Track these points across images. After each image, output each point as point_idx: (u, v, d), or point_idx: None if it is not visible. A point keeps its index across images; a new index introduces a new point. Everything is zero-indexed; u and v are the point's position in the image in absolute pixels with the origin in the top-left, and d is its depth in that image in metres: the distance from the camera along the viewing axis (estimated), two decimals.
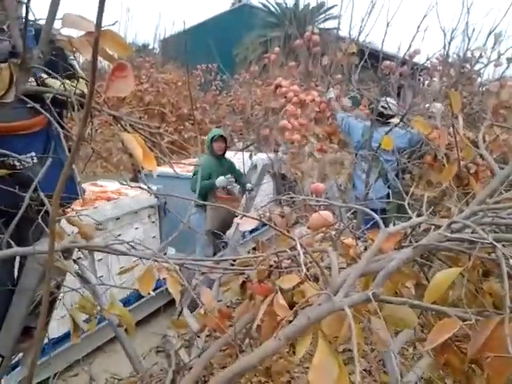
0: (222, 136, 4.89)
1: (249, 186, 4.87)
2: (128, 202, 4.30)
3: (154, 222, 4.63)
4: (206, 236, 4.58)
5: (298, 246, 1.15)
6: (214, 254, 4.89)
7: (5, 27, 1.18)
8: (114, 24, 1.23)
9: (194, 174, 4.66)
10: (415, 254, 0.98)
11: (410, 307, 1.00)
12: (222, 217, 4.45)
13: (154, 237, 4.63)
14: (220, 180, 4.64)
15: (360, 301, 0.96)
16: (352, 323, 0.94)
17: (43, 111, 1.38)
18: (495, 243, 0.82)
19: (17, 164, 1.89)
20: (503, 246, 0.92)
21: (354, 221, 2.96)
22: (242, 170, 5.02)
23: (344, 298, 0.96)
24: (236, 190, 4.86)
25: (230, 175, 4.73)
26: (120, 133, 0.99)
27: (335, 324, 1.16)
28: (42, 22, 1.18)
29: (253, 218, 1.32)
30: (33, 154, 1.94)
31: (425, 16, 3.13)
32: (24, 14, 1.13)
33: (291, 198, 1.44)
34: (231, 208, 5.00)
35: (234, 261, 1.73)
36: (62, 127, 1.56)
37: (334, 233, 1.39)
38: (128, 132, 1.23)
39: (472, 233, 0.99)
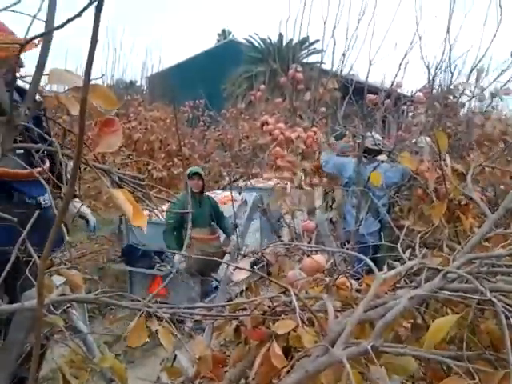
0: (197, 173, 4.87)
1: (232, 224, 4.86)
2: None
3: None
4: (187, 279, 4.56)
5: (293, 296, 1.13)
6: (204, 294, 4.85)
7: None
8: (101, 77, 1.25)
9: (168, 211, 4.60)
10: (412, 303, 0.97)
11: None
12: (199, 259, 4.39)
13: None
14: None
15: (359, 353, 0.94)
16: (351, 375, 0.92)
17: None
18: (494, 300, 0.82)
19: (42, 202, 2.10)
20: (503, 295, 0.91)
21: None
22: (230, 207, 5.00)
23: (342, 350, 0.94)
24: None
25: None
26: (109, 189, 0.98)
27: (334, 374, 1.14)
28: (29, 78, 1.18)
29: (246, 269, 1.30)
30: (46, 196, 2.14)
31: (406, 54, 3.22)
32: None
33: (284, 244, 1.42)
34: (208, 247, 4.95)
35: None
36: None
37: (328, 279, 1.37)
38: (117, 184, 1.22)
39: (466, 282, 0.99)
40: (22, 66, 1.96)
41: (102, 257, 7.05)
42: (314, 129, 3.93)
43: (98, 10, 0.76)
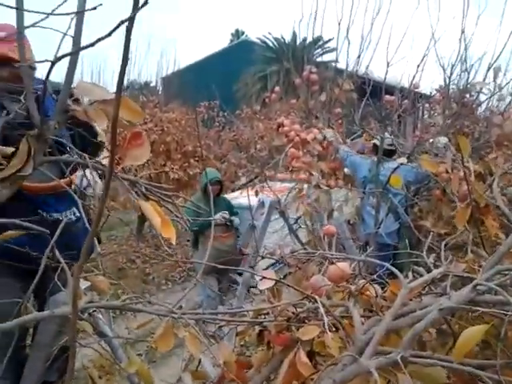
0: (219, 180, 4.99)
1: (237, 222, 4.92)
2: None
3: None
4: (205, 279, 4.62)
5: (319, 304, 1.14)
6: (224, 294, 4.89)
7: (21, 98, 1.20)
8: (127, 89, 1.27)
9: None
10: (442, 314, 0.97)
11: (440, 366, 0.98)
12: (212, 256, 4.42)
13: None
14: (216, 217, 4.68)
15: (388, 364, 0.94)
16: None
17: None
18: None
19: (64, 218, 2.00)
20: None
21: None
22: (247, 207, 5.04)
23: (370, 360, 0.95)
24: (236, 221, 4.92)
25: (226, 211, 4.81)
26: (138, 202, 1.00)
27: (361, 382, 1.15)
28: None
29: (271, 278, 1.31)
30: (74, 209, 2.05)
31: (424, 56, 3.20)
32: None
33: (307, 253, 1.43)
34: (222, 245, 4.98)
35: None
36: None
37: (353, 287, 1.38)
38: (144, 194, 1.24)
39: (496, 293, 0.99)
40: (34, 68, 1.96)
41: (121, 257, 7.12)
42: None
43: (128, 32, 0.78)
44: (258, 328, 1.65)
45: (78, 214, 2.06)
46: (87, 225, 1.39)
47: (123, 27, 0.80)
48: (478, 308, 0.95)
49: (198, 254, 4.79)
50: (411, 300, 1.38)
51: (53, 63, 1.04)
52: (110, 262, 6.76)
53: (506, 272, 1.04)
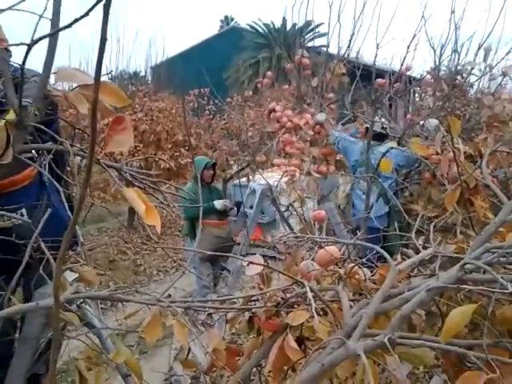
0: (214, 164, 4.98)
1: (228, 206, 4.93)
2: None
3: None
4: (200, 266, 4.63)
5: (307, 289, 1.13)
6: (215, 283, 4.89)
7: None
8: (110, 73, 1.24)
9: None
10: (430, 296, 0.96)
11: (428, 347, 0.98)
12: (212, 243, 4.43)
13: None
14: (219, 202, 4.70)
15: (375, 346, 0.94)
16: (368, 368, 0.91)
17: (31, 162, 1.37)
18: None
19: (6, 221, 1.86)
20: None
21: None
22: (239, 194, 5.05)
23: (358, 343, 0.94)
24: (234, 211, 4.92)
25: (226, 199, 4.84)
26: (121, 188, 0.98)
27: (349, 365, 1.14)
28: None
29: (259, 264, 1.30)
30: (23, 211, 1.92)
31: (414, 36, 3.17)
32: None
33: (297, 237, 1.42)
34: (221, 231, 4.98)
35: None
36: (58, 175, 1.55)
37: (342, 271, 1.37)
38: (129, 181, 1.22)
39: (484, 272, 0.98)
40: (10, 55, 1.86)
41: (112, 249, 7.09)
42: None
43: (106, 9, 0.75)
44: (247, 315, 1.64)
45: (25, 217, 1.91)
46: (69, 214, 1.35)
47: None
48: (466, 286, 0.95)
49: (197, 241, 4.79)
50: (400, 282, 1.38)
51: (29, 46, 1.00)
52: (102, 254, 6.73)
53: (494, 250, 1.03)
